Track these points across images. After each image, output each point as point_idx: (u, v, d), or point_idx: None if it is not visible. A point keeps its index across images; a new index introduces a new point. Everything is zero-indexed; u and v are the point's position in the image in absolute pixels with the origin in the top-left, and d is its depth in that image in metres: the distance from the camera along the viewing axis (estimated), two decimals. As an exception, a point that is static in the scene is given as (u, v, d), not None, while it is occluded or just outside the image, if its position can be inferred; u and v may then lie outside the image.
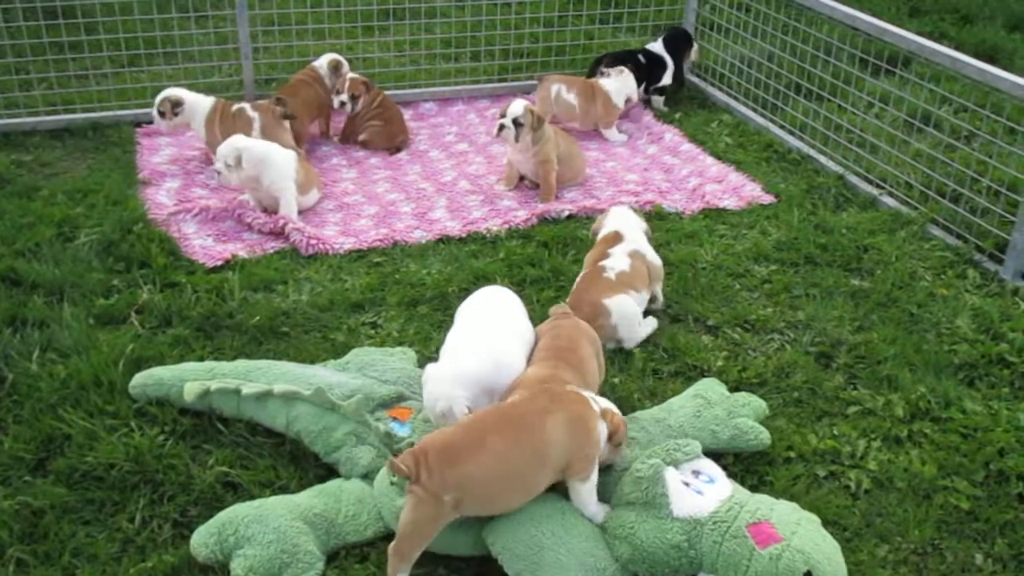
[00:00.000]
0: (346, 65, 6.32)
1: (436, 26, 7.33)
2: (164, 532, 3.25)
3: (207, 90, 6.18)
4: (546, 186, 5.62)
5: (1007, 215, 5.02)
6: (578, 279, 4.43)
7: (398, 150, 6.28)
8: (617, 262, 4.37)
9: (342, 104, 6.18)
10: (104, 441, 3.54)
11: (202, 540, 3.09)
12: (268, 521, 3.10)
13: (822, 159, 6.08)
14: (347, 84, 6.17)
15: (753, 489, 3.37)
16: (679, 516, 3.01)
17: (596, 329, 3.96)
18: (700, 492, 3.06)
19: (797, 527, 2.93)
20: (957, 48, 5.34)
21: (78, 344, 4.07)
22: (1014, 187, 5.13)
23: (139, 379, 3.79)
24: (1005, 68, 5.12)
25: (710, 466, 3.23)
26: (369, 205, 5.55)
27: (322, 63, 6.30)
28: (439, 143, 6.45)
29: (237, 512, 3.14)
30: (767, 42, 6.79)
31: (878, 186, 5.72)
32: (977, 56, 5.31)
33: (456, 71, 7.31)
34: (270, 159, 5.22)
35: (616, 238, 4.52)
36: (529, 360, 3.72)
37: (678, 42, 7.06)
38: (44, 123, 6.24)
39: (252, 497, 3.33)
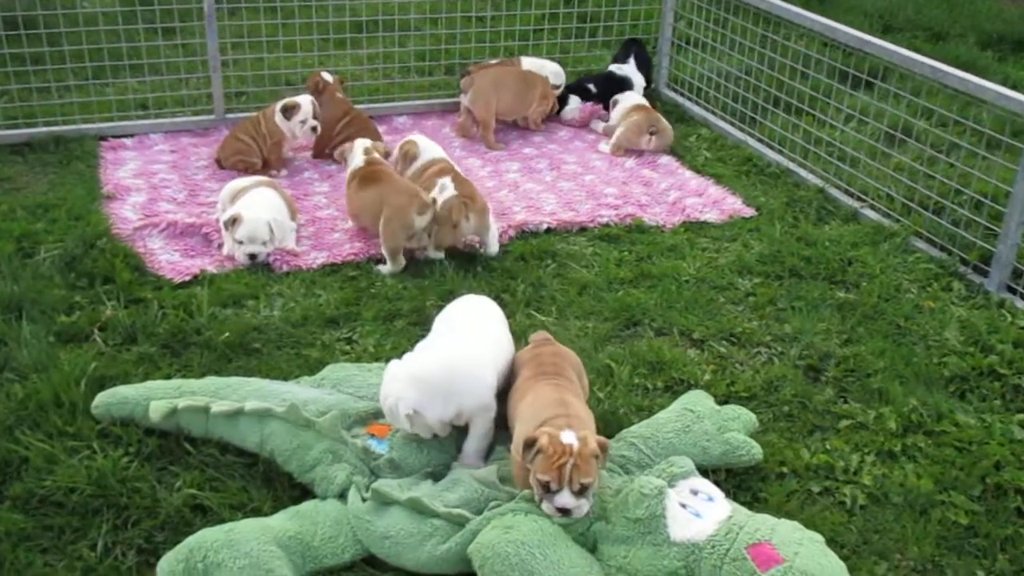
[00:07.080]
0: (304, 107, 5.81)
1: (409, 40, 7.23)
2: (128, 559, 3.07)
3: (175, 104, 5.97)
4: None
5: (991, 227, 4.97)
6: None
7: (372, 163, 6.12)
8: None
9: (313, 129, 5.89)
10: (64, 464, 3.35)
11: (169, 567, 2.92)
12: (239, 545, 2.93)
13: (802, 172, 6.02)
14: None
15: (747, 506, 3.24)
16: (676, 540, 2.87)
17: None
18: (699, 514, 2.93)
19: (799, 547, 2.80)
20: (932, 63, 5.29)
21: (37, 363, 3.88)
22: (997, 198, 5.08)
23: (102, 398, 3.62)
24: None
25: (708, 484, 3.11)
26: (343, 219, 5.40)
27: (276, 112, 5.80)
28: (414, 157, 6.30)
29: (206, 537, 2.97)
30: (745, 56, 6.74)
31: (859, 199, 5.66)
32: (952, 72, 5.27)
33: (430, 84, 7.21)
34: (281, 223, 5.01)
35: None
36: (509, 377, 3.59)
37: (643, 56, 7.23)
38: (4, 137, 6.03)
39: (222, 520, 3.16)
